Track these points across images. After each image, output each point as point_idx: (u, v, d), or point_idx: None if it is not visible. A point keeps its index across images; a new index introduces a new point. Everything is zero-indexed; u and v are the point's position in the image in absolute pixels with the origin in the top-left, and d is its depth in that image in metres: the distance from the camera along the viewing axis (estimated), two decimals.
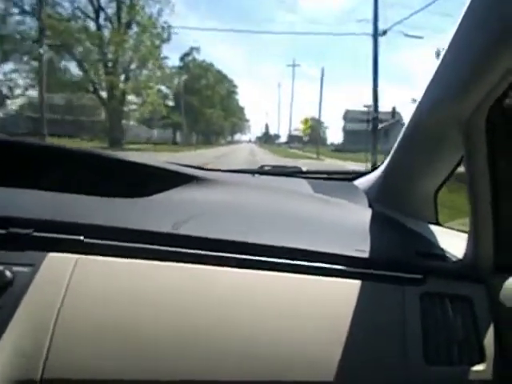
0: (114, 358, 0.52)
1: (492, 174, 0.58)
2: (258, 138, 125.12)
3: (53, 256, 0.59)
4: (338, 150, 40.44)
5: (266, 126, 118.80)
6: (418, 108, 0.74)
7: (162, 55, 30.24)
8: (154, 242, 0.62)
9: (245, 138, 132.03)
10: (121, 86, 22.93)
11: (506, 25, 0.48)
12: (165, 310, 0.56)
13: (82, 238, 0.61)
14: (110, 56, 23.56)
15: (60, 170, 0.83)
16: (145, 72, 25.59)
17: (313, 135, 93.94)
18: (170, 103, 40.59)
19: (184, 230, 0.65)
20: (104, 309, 0.55)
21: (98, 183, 0.81)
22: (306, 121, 26.79)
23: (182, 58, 41.19)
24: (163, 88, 41.42)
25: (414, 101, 0.76)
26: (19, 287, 0.55)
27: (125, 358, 0.53)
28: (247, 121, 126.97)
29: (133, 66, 25.45)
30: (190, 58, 41.48)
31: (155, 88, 26.39)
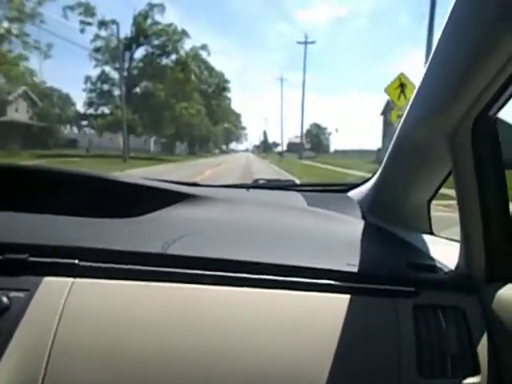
0: (110, 380, 0.52)
1: (480, 186, 0.57)
2: (256, 147, 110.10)
3: (48, 280, 0.59)
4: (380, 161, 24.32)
5: (265, 134, 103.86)
6: (404, 122, 0.73)
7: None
8: (146, 262, 0.62)
9: (241, 147, 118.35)
10: None
11: (483, 40, 0.47)
12: (159, 330, 0.55)
13: (76, 261, 0.61)
14: None
15: (51, 192, 0.82)
16: None
17: (315, 142, 79.66)
18: (117, 92, 24.69)
19: (176, 250, 0.64)
20: (99, 331, 0.55)
21: (91, 204, 0.80)
22: (400, 81, 6.44)
23: (134, 21, 25.19)
24: (107, 69, 25.51)
25: None
26: (16, 312, 0.55)
27: (122, 379, 0.52)
28: (244, 128, 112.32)
29: None
30: (148, 21, 25.67)
31: None
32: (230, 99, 54.53)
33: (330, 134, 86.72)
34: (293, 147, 63.65)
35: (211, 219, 0.82)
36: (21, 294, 0.56)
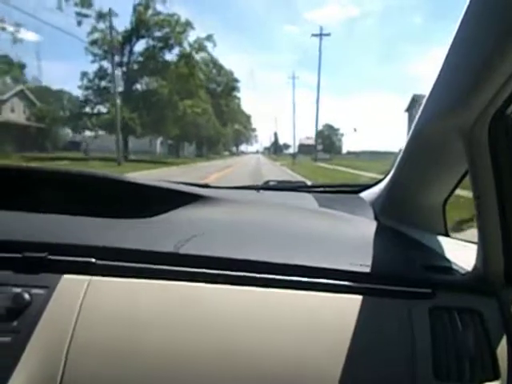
0: (128, 377, 0.53)
1: (498, 185, 0.56)
2: (267, 149, 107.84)
3: (67, 278, 0.60)
4: None
5: (275, 135, 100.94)
6: (419, 120, 0.71)
7: None
8: (162, 262, 0.63)
9: (251, 148, 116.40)
10: None
11: (502, 34, 0.46)
12: (175, 329, 0.56)
13: (93, 259, 0.62)
14: None
15: (66, 192, 0.84)
16: None
17: (327, 144, 76.91)
18: (119, 88, 22.45)
19: (189, 250, 0.65)
20: (116, 328, 0.56)
21: (104, 205, 0.82)
22: None
23: (134, 11, 23.08)
24: (106, 65, 23.34)
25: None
26: (36, 309, 0.56)
27: (138, 377, 0.53)
28: (254, 130, 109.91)
29: None
30: (149, 11, 23.44)
31: None
32: (239, 99, 52.12)
33: (342, 135, 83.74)
34: (304, 149, 60.98)
35: (223, 220, 0.82)
36: (41, 291, 0.58)
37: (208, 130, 32.92)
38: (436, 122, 0.65)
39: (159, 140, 41.14)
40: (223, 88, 47.31)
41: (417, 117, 0.71)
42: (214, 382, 0.53)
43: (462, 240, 0.82)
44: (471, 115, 0.54)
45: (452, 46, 0.56)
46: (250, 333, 0.55)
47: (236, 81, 48.48)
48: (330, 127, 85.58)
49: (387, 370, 0.54)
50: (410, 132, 0.75)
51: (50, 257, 0.61)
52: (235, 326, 0.56)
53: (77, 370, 0.52)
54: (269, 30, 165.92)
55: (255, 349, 0.54)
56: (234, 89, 48.72)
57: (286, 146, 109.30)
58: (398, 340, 0.56)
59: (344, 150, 77.29)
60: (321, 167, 22.24)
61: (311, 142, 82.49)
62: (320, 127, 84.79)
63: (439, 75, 0.61)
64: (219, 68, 46.58)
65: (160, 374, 0.53)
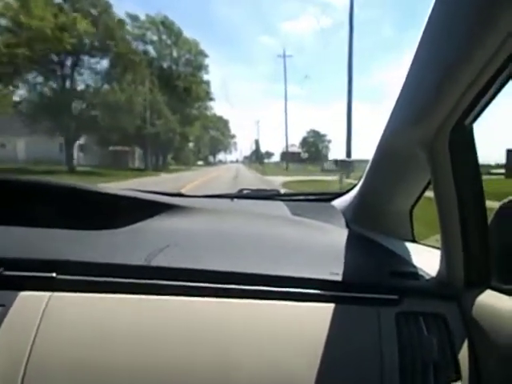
0: None
1: (459, 194, 0.57)
2: (247, 158, 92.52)
3: (24, 295, 0.56)
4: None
5: (256, 142, 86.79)
6: (384, 131, 0.73)
7: None
8: (127, 275, 0.59)
9: (231, 157, 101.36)
10: None
11: (460, 47, 0.47)
12: (139, 344, 0.53)
13: (54, 274, 0.58)
14: None
15: (29, 204, 0.78)
16: None
17: (312, 152, 62.44)
18: None
19: (157, 262, 0.62)
20: (77, 346, 0.52)
21: (71, 216, 0.77)
22: None
23: None
24: None
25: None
26: None
27: None
28: (233, 137, 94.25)
29: None
30: None
31: None
32: (208, 83, 34.85)
33: (329, 141, 70.49)
34: (288, 157, 45.72)
35: (195, 230, 0.80)
36: None
37: (134, 119, 16.58)
38: (400, 134, 0.66)
39: (77, 143, 23.58)
40: (183, 67, 30.63)
41: (383, 129, 0.71)
42: None
43: (428, 245, 0.84)
44: (432, 127, 0.55)
45: (414, 59, 0.56)
46: (220, 344, 0.53)
47: (204, 55, 31.92)
48: (316, 133, 72.23)
49: (356, 378, 0.53)
50: (377, 143, 0.75)
51: (7, 272, 0.56)
52: (206, 338, 0.54)
53: None
54: (246, 41, 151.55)
55: (223, 359, 0.52)
56: (201, 68, 32.25)
57: (269, 154, 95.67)
58: (366, 347, 0.55)
59: (330, 159, 63.30)
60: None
61: (295, 149, 68.74)
62: (305, 134, 71.18)
63: (402, 89, 0.61)
64: (176, 36, 30.17)
65: None
